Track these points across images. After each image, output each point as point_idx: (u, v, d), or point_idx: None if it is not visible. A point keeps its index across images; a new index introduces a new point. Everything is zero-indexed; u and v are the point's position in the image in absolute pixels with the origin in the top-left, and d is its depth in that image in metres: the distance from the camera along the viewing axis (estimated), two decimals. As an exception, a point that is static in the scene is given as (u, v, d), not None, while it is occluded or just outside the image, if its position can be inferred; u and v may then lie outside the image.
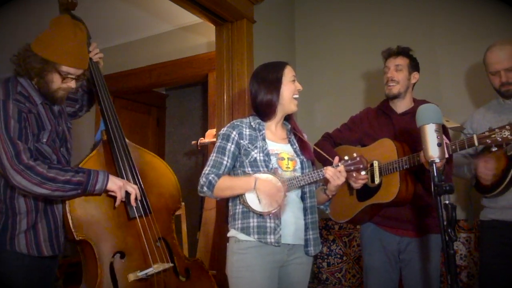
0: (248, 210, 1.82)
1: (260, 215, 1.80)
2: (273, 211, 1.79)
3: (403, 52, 2.28)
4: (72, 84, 1.83)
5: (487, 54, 2.21)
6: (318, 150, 2.07)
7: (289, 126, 2.05)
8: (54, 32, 1.77)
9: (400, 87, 2.24)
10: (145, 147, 2.24)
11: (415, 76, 2.30)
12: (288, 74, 1.95)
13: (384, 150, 2.17)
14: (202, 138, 4.36)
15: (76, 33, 1.80)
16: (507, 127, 1.77)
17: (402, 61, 2.26)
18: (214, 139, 3.85)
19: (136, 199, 1.90)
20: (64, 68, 1.77)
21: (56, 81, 1.78)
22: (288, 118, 2.04)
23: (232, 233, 1.88)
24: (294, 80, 1.95)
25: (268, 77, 1.94)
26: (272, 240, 1.79)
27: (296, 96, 1.95)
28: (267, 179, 1.79)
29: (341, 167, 1.82)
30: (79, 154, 2.09)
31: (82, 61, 1.83)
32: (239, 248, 1.83)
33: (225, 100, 3.11)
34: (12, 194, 1.72)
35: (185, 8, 2.99)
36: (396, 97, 2.26)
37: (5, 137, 1.63)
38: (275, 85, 1.92)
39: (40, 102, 1.78)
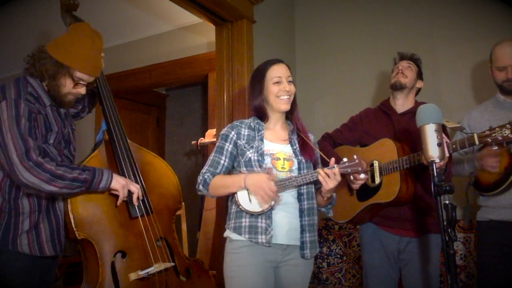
0: (241, 210, 1.82)
1: (252, 214, 1.80)
2: (264, 211, 1.78)
3: (415, 60, 2.35)
4: (82, 90, 1.85)
5: (496, 49, 2.20)
6: (317, 150, 2.07)
7: (292, 126, 2.00)
8: (73, 37, 1.79)
9: (407, 81, 2.27)
10: (145, 147, 2.25)
11: (420, 83, 2.35)
12: (270, 74, 1.90)
13: (385, 150, 2.17)
14: (202, 138, 4.36)
15: (94, 41, 1.81)
16: (507, 125, 1.77)
17: (413, 64, 2.33)
18: (214, 139, 3.86)
19: (138, 198, 1.92)
20: (78, 74, 1.78)
21: (67, 86, 1.79)
22: (292, 117, 2.00)
23: (226, 233, 1.89)
24: (278, 82, 1.89)
25: (254, 81, 1.94)
26: (263, 240, 1.77)
27: (284, 97, 1.89)
28: (256, 172, 1.79)
29: (336, 169, 1.75)
30: (80, 155, 2.09)
31: (96, 69, 1.86)
32: (232, 247, 1.83)
33: (225, 100, 3.11)
34: (17, 194, 1.73)
35: (185, 8, 2.99)
36: (401, 87, 2.27)
37: (16, 133, 1.63)
38: (258, 89, 1.91)
39: (49, 104, 1.80)
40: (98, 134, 2.11)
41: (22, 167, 1.61)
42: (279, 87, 1.89)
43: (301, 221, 1.87)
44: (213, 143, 3.98)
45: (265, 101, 1.93)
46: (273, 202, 1.76)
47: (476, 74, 2.97)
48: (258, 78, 1.93)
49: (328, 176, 1.74)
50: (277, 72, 1.90)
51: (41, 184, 1.64)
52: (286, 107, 1.91)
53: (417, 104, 2.28)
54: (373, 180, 2.19)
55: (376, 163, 2.19)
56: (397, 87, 2.28)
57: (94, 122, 4.53)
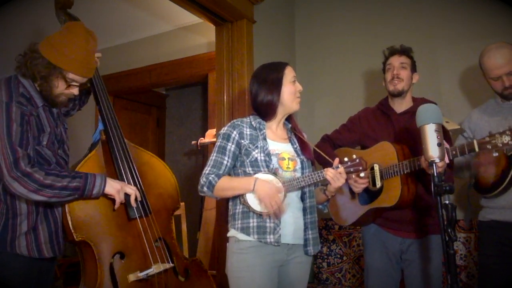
0: (248, 210, 1.82)
1: (260, 215, 1.81)
2: (273, 212, 1.79)
3: (407, 51, 2.29)
4: (75, 91, 1.82)
5: (485, 60, 2.18)
6: (319, 151, 2.07)
7: (290, 125, 2.05)
8: (66, 37, 1.75)
9: (404, 84, 2.24)
10: (145, 147, 2.24)
11: (415, 76, 2.31)
12: (288, 74, 1.95)
13: (384, 153, 2.16)
14: (202, 138, 4.36)
15: (88, 42, 1.78)
16: (507, 132, 1.75)
17: (405, 60, 2.27)
18: (214, 139, 3.86)
19: (136, 199, 1.90)
20: (71, 76, 1.75)
21: (60, 87, 1.77)
22: (288, 117, 2.04)
23: (232, 233, 1.89)
24: (294, 81, 1.96)
25: (269, 78, 1.94)
26: (272, 240, 1.79)
27: (298, 96, 1.96)
28: (267, 180, 1.79)
29: (341, 169, 1.81)
30: (78, 155, 2.09)
31: (90, 70, 1.82)
32: (239, 248, 1.83)
33: (225, 100, 3.11)
34: (13, 195, 1.70)
35: (185, 8, 2.99)
36: (400, 94, 2.25)
37: (5, 142, 1.61)
38: (276, 85, 1.92)
39: (41, 104, 1.77)
40: (94, 134, 2.09)
41: (10, 177, 1.60)
42: (295, 86, 1.95)
43: (304, 219, 1.91)
44: (213, 143, 3.97)
45: (280, 99, 1.94)
46: (280, 205, 1.79)
47: (476, 74, 2.96)
48: (275, 74, 1.94)
49: (336, 176, 1.80)
50: (293, 72, 1.97)
51: (28, 194, 1.62)
52: (298, 107, 1.97)
53: (416, 101, 2.27)
54: (374, 183, 2.18)
55: (376, 167, 2.18)
56: (396, 94, 2.26)
57: (94, 122, 4.53)
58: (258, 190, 1.78)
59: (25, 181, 1.61)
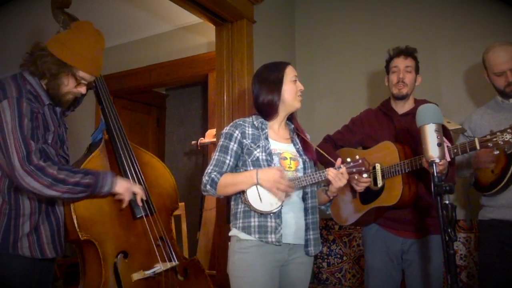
0: (250, 209, 1.82)
1: (261, 214, 1.80)
2: (274, 211, 1.79)
3: (412, 53, 2.28)
4: (83, 90, 1.83)
5: (489, 56, 2.20)
6: (321, 151, 2.07)
7: (292, 126, 2.05)
8: (76, 36, 1.76)
9: (408, 88, 2.25)
10: (145, 147, 2.24)
11: (419, 78, 2.31)
12: (289, 74, 1.95)
13: (386, 153, 2.17)
14: (202, 138, 4.36)
15: (98, 41, 1.80)
16: (508, 130, 1.77)
17: (411, 63, 2.26)
18: (214, 139, 3.86)
19: (141, 198, 1.91)
20: (81, 74, 1.76)
21: (69, 85, 1.77)
22: (291, 118, 2.04)
23: (233, 232, 1.89)
24: (295, 81, 1.96)
25: (269, 77, 1.94)
26: (273, 240, 1.79)
27: (299, 95, 1.96)
28: (267, 168, 1.81)
29: (343, 169, 1.82)
30: (77, 155, 2.09)
31: (99, 68, 1.84)
32: (240, 247, 1.84)
33: (225, 100, 3.11)
34: (17, 195, 1.69)
35: (185, 8, 2.99)
36: (404, 97, 2.26)
37: (18, 136, 1.59)
38: (276, 85, 1.92)
39: (48, 103, 1.77)
40: (93, 134, 2.09)
41: (23, 171, 1.58)
42: (296, 86, 1.95)
43: (305, 219, 1.92)
44: (213, 143, 3.98)
45: (280, 98, 1.94)
46: (287, 197, 1.80)
47: (476, 74, 2.97)
48: (276, 74, 1.94)
49: (338, 176, 1.80)
50: (294, 72, 1.98)
51: (42, 188, 1.61)
52: (299, 105, 1.97)
53: (417, 103, 2.27)
54: (375, 183, 2.19)
55: (378, 166, 2.18)
56: (400, 98, 2.27)
57: (94, 122, 4.53)
58: (262, 180, 1.78)
59: (38, 175, 1.59)
